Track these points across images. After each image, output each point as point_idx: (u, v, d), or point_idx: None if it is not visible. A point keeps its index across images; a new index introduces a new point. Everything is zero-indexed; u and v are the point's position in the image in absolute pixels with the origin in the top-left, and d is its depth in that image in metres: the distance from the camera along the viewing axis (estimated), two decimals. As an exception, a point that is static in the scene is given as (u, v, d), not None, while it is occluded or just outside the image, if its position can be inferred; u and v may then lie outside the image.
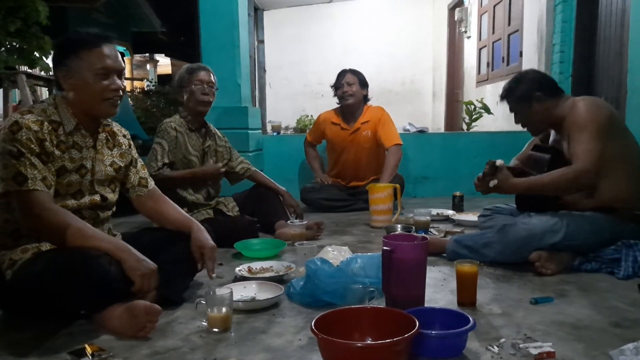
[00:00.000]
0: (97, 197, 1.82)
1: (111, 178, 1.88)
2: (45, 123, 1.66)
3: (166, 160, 2.78)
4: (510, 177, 2.19)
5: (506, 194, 2.27)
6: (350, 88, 3.81)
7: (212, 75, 2.95)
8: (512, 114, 2.43)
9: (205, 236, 1.89)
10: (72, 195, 1.75)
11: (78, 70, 1.70)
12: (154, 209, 2.00)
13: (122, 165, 1.93)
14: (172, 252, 1.83)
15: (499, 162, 2.21)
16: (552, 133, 2.47)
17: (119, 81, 1.77)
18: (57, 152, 1.69)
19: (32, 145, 1.61)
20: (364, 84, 3.87)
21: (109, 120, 1.92)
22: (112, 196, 1.90)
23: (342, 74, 3.89)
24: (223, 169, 2.95)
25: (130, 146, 2.00)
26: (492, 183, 2.20)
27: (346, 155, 3.92)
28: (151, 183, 2.03)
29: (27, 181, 1.58)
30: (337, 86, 3.89)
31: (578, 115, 2.17)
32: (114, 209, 1.94)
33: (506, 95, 2.40)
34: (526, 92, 2.31)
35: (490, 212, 2.68)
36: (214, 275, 1.90)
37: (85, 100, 1.73)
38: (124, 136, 1.99)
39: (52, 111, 1.72)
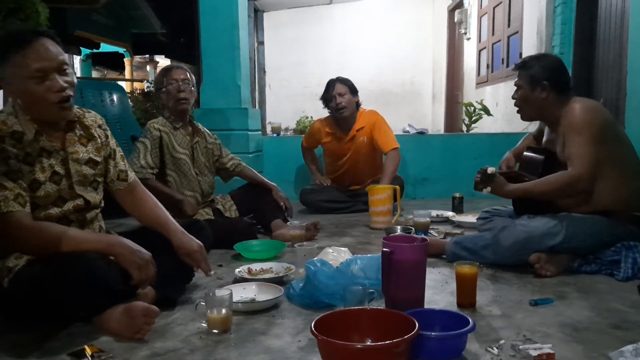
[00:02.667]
0: (79, 202, 1.71)
1: (91, 177, 1.76)
2: (7, 139, 1.55)
3: (149, 160, 2.76)
4: (504, 185, 2.24)
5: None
6: (343, 99, 3.72)
7: (188, 73, 2.94)
8: (514, 93, 2.42)
9: (187, 240, 1.78)
10: (54, 203, 1.65)
11: (14, 77, 1.56)
12: (133, 204, 1.87)
13: (100, 160, 1.80)
14: (169, 250, 1.78)
15: (490, 169, 2.24)
16: (546, 132, 2.48)
17: (62, 78, 1.58)
18: (24, 167, 1.57)
19: None
20: (354, 91, 3.79)
21: (81, 110, 1.79)
22: (95, 196, 1.78)
23: (331, 84, 3.79)
24: (197, 213, 2.83)
25: (107, 137, 1.84)
26: (485, 191, 2.27)
27: (344, 162, 3.88)
28: (131, 176, 1.90)
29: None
30: (327, 98, 3.80)
31: (574, 117, 2.17)
32: (102, 205, 1.84)
33: (519, 67, 2.38)
34: (535, 75, 2.30)
35: (489, 215, 2.68)
36: (211, 273, 1.87)
37: (31, 107, 1.59)
38: (100, 127, 1.82)
39: (13, 121, 1.59)
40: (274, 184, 3.15)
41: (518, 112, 2.45)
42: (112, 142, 1.87)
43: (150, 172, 2.76)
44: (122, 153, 1.92)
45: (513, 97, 2.43)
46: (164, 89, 2.89)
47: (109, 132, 1.87)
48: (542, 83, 2.29)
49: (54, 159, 1.66)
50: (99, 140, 1.80)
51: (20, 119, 1.61)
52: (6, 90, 1.60)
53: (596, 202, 2.19)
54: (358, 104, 3.85)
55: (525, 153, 2.50)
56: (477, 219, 2.80)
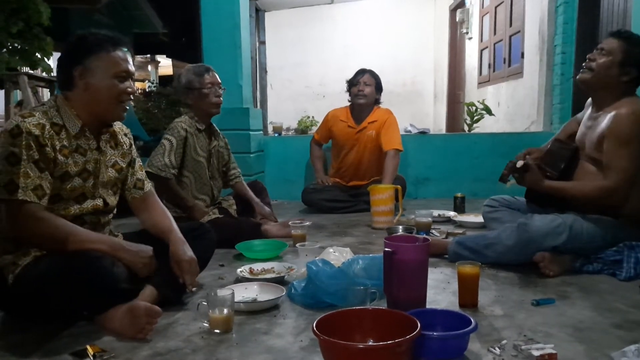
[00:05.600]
0: (99, 202, 1.78)
1: (114, 180, 1.85)
2: (47, 127, 1.62)
3: (173, 159, 2.77)
4: (540, 179, 2.24)
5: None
6: (366, 88, 3.82)
7: (217, 75, 2.96)
8: (596, 52, 2.31)
9: (182, 248, 1.80)
10: (75, 199, 1.71)
11: (97, 71, 1.68)
12: (144, 212, 1.94)
13: (124, 165, 1.90)
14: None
15: (519, 163, 2.25)
16: (587, 114, 2.37)
17: (133, 85, 1.79)
18: (60, 158, 1.64)
19: (31, 152, 1.56)
20: (379, 87, 3.90)
21: None
22: (113, 200, 1.87)
23: (362, 72, 3.90)
24: (209, 218, 2.85)
25: (130, 146, 1.95)
26: (509, 183, 2.35)
27: (349, 153, 3.92)
28: (147, 185, 1.98)
29: (18, 190, 1.54)
30: (352, 82, 3.89)
31: (620, 126, 2.11)
32: (115, 211, 1.91)
33: (625, 38, 2.23)
34: (636, 58, 2.18)
35: (497, 204, 2.64)
36: (193, 289, 1.83)
37: (99, 101, 1.71)
38: (125, 135, 1.95)
39: (53, 113, 1.67)
40: (258, 200, 3.13)
41: (582, 71, 2.31)
42: (134, 151, 1.98)
43: (172, 172, 2.78)
44: (140, 163, 2.01)
45: (590, 58, 2.28)
46: (197, 91, 2.88)
47: (132, 142, 1.98)
48: (633, 68, 2.18)
49: (87, 157, 1.74)
50: (124, 146, 1.92)
51: (63, 113, 1.69)
52: (80, 78, 1.68)
53: (606, 206, 2.18)
54: (377, 101, 3.94)
55: (551, 147, 2.47)
56: (484, 205, 2.74)
